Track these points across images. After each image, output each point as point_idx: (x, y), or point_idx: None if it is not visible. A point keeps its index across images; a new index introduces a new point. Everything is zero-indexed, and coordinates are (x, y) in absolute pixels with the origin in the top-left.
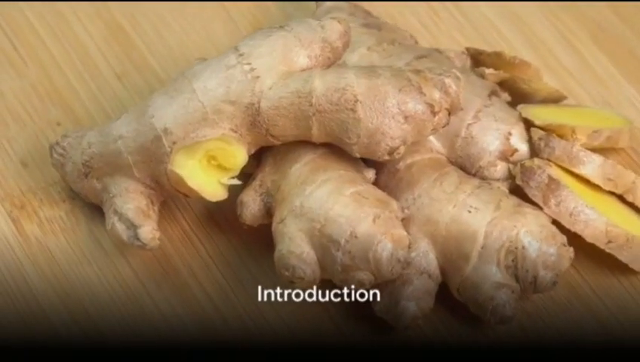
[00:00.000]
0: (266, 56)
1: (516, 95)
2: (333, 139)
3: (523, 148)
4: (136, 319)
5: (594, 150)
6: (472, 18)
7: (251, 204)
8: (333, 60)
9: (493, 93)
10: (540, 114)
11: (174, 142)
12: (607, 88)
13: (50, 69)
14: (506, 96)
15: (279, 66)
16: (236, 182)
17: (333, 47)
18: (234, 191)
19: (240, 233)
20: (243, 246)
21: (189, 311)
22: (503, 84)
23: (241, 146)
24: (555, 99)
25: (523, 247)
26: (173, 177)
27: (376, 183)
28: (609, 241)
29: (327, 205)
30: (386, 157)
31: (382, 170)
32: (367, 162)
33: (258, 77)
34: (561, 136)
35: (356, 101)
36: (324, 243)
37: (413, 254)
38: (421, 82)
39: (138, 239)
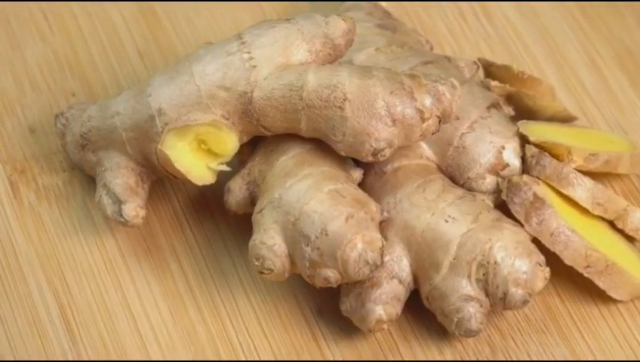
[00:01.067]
0: (267, 46)
1: (523, 110)
2: (320, 136)
3: (516, 163)
4: (110, 292)
5: (593, 173)
6: (500, 28)
7: (237, 192)
8: (334, 57)
9: (493, 106)
10: (540, 131)
11: (166, 123)
12: (622, 112)
13: (74, 40)
14: (509, 111)
15: (278, 58)
16: (225, 168)
17: (334, 43)
18: (228, 178)
19: (229, 220)
20: (230, 234)
21: (164, 291)
22: (510, 99)
23: (231, 133)
24: (563, 119)
25: (495, 262)
26: (162, 157)
27: (362, 184)
28: (588, 266)
29: (304, 200)
30: (370, 159)
31: (370, 171)
32: (359, 162)
33: (255, 66)
34: (556, 156)
35: (345, 99)
36: (295, 237)
37: (386, 258)
38: (414, 87)
39: (121, 215)
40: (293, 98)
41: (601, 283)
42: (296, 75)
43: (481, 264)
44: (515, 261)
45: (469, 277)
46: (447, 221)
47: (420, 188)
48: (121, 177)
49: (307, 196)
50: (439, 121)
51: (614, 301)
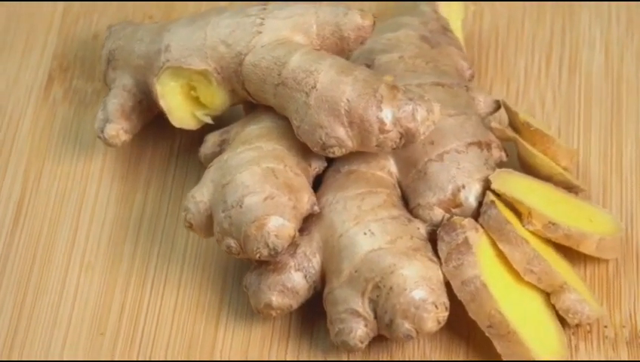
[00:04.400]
0: (281, 19)
1: (523, 161)
2: (286, 115)
3: (472, 205)
4: (70, 202)
5: (561, 243)
6: (574, 83)
7: (209, 145)
8: (340, 48)
9: (477, 145)
10: (512, 184)
11: (168, 60)
12: None
13: None
14: (501, 155)
15: (284, 32)
16: (208, 120)
17: (342, 35)
18: None
19: None
20: None
21: (115, 217)
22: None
23: (220, 88)
24: (561, 184)
25: (391, 288)
26: (154, 90)
27: (321, 176)
28: (490, 325)
29: (240, 168)
30: (319, 151)
31: (330, 166)
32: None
33: (260, 33)
34: (518, 214)
35: (314, 87)
36: (218, 200)
37: (300, 250)
38: (386, 97)
39: (102, 132)
40: (274, 71)
41: (498, 347)
42: (286, 52)
43: (377, 285)
44: (411, 293)
45: (362, 293)
46: (365, 234)
47: (360, 197)
48: (119, 98)
49: (244, 166)
50: (400, 138)
51: None
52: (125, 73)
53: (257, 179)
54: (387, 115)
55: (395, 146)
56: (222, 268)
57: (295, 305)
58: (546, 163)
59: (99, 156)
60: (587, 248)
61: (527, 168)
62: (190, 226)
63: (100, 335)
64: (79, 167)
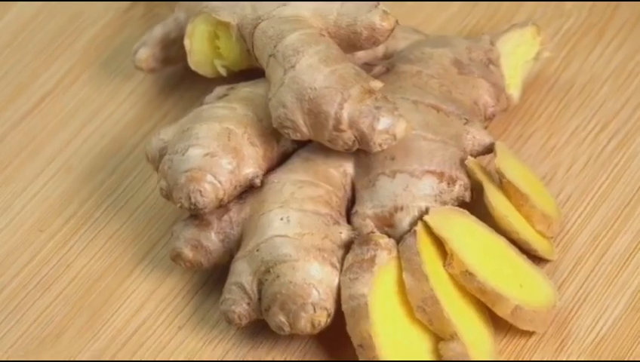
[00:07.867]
0: (309, 1)
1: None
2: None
3: (405, 229)
4: (79, 114)
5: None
6: (610, 163)
7: (213, 96)
8: (353, 42)
9: (436, 175)
10: (455, 225)
11: (207, 6)
12: (605, 291)
13: None
14: (464, 195)
15: (305, 11)
16: (222, 71)
17: (356, 30)
18: None
19: None
20: None
21: (118, 136)
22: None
23: (238, 45)
24: (517, 244)
25: (278, 276)
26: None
27: (286, 155)
28: (360, 345)
29: (203, 120)
30: (278, 128)
31: (297, 150)
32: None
33: (285, 6)
34: (444, 254)
35: (292, 67)
36: (172, 143)
37: (226, 215)
38: (353, 98)
39: (135, 53)
40: (273, 42)
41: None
42: (290, 27)
43: (269, 269)
44: (294, 288)
45: (255, 272)
46: (281, 219)
47: (300, 184)
48: (166, 27)
49: (209, 120)
50: (354, 141)
51: None
52: (184, 8)
53: (210, 134)
54: (345, 114)
55: (347, 148)
56: (175, 216)
57: (206, 264)
58: (500, 218)
59: (135, 80)
60: (502, 311)
61: (493, 218)
62: (147, 159)
63: (38, 232)
64: (113, 83)
